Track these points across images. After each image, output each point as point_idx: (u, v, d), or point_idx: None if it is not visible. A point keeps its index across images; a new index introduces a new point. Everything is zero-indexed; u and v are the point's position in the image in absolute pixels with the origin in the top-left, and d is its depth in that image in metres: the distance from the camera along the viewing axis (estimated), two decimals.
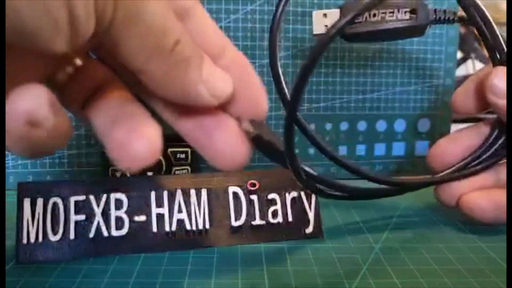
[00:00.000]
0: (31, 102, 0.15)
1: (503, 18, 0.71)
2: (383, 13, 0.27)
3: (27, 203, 0.24)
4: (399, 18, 0.27)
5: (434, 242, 0.27)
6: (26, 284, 0.22)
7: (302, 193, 0.27)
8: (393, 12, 0.27)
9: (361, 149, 0.39)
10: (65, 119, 0.17)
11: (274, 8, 0.35)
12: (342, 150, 0.38)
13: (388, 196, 0.28)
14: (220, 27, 0.34)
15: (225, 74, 0.18)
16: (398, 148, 0.39)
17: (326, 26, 0.28)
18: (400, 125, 0.39)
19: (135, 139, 0.17)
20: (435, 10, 0.28)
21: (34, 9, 0.13)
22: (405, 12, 0.27)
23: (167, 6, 0.16)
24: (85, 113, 0.19)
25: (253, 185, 0.27)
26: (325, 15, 0.28)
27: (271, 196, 0.27)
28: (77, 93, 0.19)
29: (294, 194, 0.27)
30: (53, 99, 0.16)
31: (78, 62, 0.19)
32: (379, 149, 0.39)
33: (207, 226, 0.26)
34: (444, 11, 0.28)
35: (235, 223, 0.26)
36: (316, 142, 0.28)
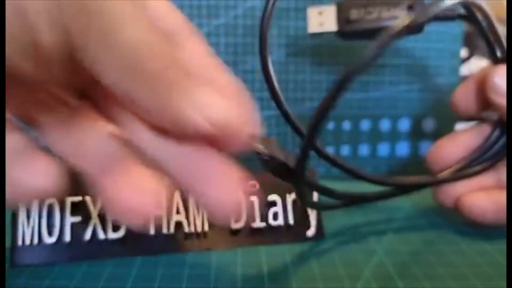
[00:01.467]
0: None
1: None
2: (379, 10, 0.27)
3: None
4: (396, 15, 0.27)
5: (437, 245, 0.26)
6: (23, 285, 0.21)
7: None
8: (389, 9, 0.27)
9: (364, 149, 0.38)
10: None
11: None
12: (345, 150, 0.38)
13: (386, 199, 0.28)
14: (219, 24, 0.34)
15: (229, 98, 0.15)
16: (402, 148, 0.39)
17: (321, 24, 0.27)
18: (404, 125, 0.38)
19: (133, 196, 0.15)
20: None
21: None
22: (402, 9, 0.27)
23: (142, 16, 0.14)
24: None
25: (253, 186, 0.26)
26: (320, 12, 0.27)
27: (272, 197, 0.26)
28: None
29: (294, 195, 0.27)
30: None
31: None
32: (383, 149, 0.38)
33: (206, 228, 0.25)
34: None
35: (234, 226, 0.26)
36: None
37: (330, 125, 0.37)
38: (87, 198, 0.24)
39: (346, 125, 0.38)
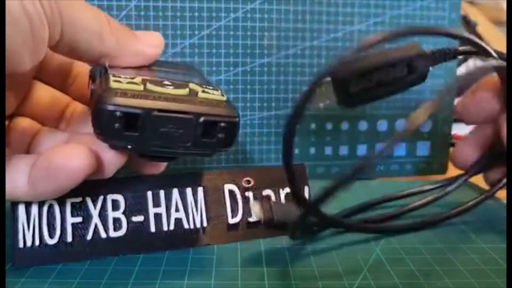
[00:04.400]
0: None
1: (503, 17, 0.71)
2: (378, 76, 0.23)
3: (21, 206, 0.23)
4: (397, 76, 0.24)
5: (435, 243, 0.27)
6: (24, 285, 0.22)
7: None
8: (388, 72, 0.24)
9: (362, 149, 0.39)
10: None
11: (274, 7, 0.35)
12: (343, 150, 0.38)
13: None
14: (220, 26, 0.34)
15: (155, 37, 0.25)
16: (399, 148, 0.39)
17: (320, 97, 0.24)
18: (401, 125, 0.39)
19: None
20: (433, 53, 0.25)
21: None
22: (402, 67, 0.24)
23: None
24: None
25: (248, 182, 0.27)
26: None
27: (266, 192, 0.27)
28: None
29: (287, 190, 0.28)
30: None
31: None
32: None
33: (205, 224, 0.26)
34: (444, 51, 0.26)
35: (231, 221, 0.26)
36: None
37: (328, 126, 0.38)
38: (87, 199, 0.24)
39: (345, 126, 0.38)
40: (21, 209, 0.23)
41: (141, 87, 0.21)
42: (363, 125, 0.38)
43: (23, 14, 0.18)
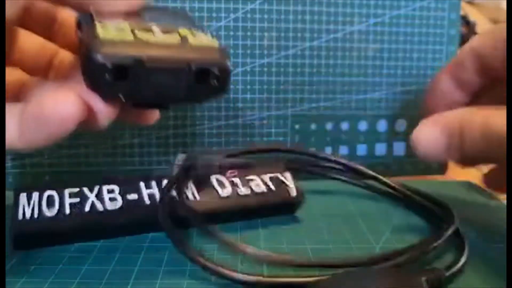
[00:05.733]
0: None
1: (503, 17, 0.71)
2: None
3: (23, 196, 0.25)
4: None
5: None
6: (24, 285, 0.22)
7: (278, 174, 0.30)
8: None
9: (361, 149, 0.39)
10: None
11: (274, 7, 0.35)
12: (343, 150, 0.38)
13: None
14: (220, 27, 0.34)
15: None
16: (399, 148, 0.39)
17: None
18: (401, 125, 0.39)
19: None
20: None
21: None
22: None
23: None
24: None
25: (232, 172, 0.29)
26: None
27: (251, 177, 0.29)
28: None
29: (270, 174, 0.30)
30: None
31: None
32: (380, 149, 0.39)
33: (198, 197, 0.27)
34: None
35: (223, 194, 0.28)
36: None
37: (328, 126, 0.38)
38: (84, 188, 0.26)
39: (345, 126, 0.38)
40: (23, 197, 0.25)
41: (131, 36, 0.20)
42: (363, 125, 0.38)
43: None
